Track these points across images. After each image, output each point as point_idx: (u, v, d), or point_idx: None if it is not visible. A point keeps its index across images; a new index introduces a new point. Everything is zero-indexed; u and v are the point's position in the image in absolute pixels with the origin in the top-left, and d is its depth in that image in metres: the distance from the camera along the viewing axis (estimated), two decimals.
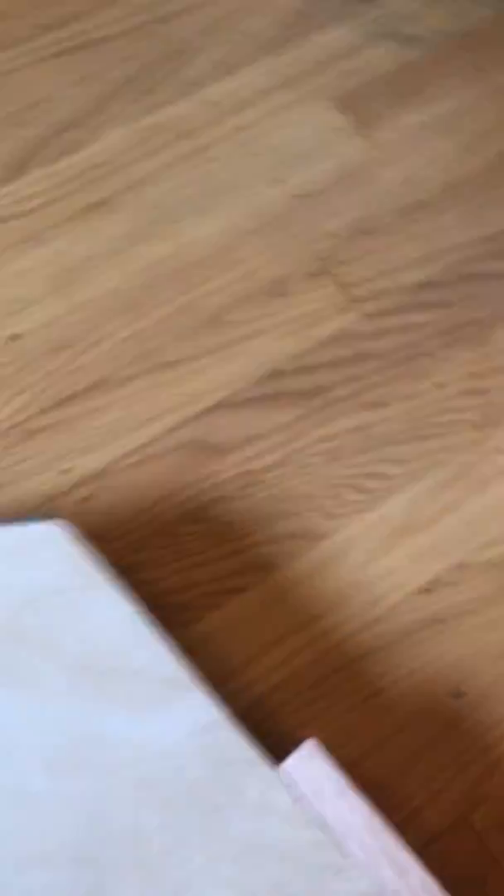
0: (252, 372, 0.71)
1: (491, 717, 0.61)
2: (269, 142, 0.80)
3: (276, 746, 0.55)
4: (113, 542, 0.64)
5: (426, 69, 0.84)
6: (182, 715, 0.54)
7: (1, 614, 0.56)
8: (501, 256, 0.76)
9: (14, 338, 0.71)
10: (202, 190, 0.77)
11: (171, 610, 0.62)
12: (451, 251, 0.76)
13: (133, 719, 0.54)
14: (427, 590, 0.64)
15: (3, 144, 0.79)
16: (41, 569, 0.58)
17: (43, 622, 0.56)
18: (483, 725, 0.61)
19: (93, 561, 0.58)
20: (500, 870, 0.57)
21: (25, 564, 0.58)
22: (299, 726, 0.59)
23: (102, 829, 0.51)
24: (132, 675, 0.55)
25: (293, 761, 0.53)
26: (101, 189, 0.77)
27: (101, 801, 0.52)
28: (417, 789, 0.59)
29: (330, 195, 0.77)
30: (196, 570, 0.64)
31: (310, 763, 0.53)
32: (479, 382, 0.71)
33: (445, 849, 0.57)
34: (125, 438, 0.68)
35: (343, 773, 0.52)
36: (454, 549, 0.65)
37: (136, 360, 0.71)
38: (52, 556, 0.58)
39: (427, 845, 0.57)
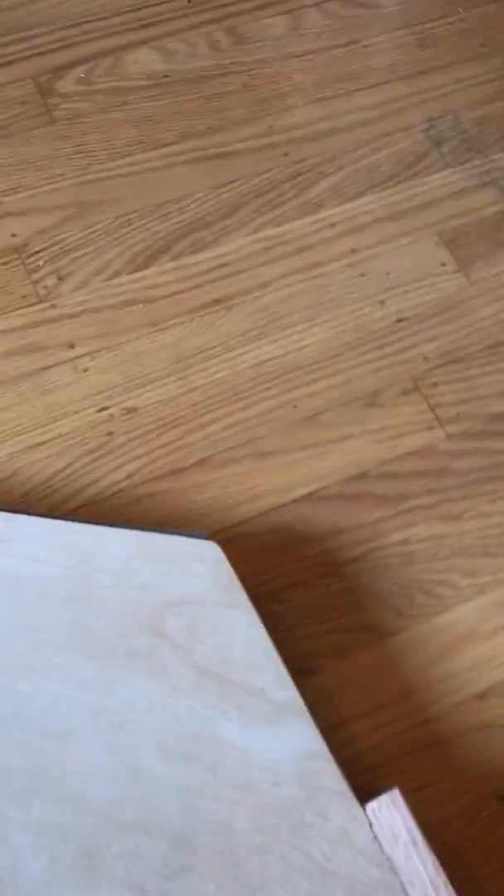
0: (341, 471, 0.78)
1: None
2: (377, 266, 0.88)
3: None
4: None
5: None
6: (289, 737, 0.60)
7: (149, 609, 0.63)
8: None
9: (131, 410, 0.78)
10: (312, 301, 0.85)
11: None
12: None
13: (245, 730, 0.60)
14: (483, 696, 0.69)
15: (141, 235, 0.87)
16: (191, 578, 0.65)
17: (184, 624, 0.63)
18: None
19: (236, 584, 0.65)
20: None
21: (178, 572, 0.65)
22: None
23: (200, 817, 0.58)
24: (253, 691, 0.61)
25: (377, 804, 0.58)
26: (221, 288, 0.85)
27: (202, 793, 0.58)
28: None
29: (428, 322, 0.85)
30: None
31: (392, 809, 0.58)
32: None
33: None
34: (220, 516, 0.75)
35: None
36: None
37: (237, 446, 0.78)
38: (202, 570, 0.65)
39: None
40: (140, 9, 1.01)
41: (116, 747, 0.60)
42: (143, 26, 1.00)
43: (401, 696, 0.68)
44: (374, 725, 0.68)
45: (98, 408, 0.78)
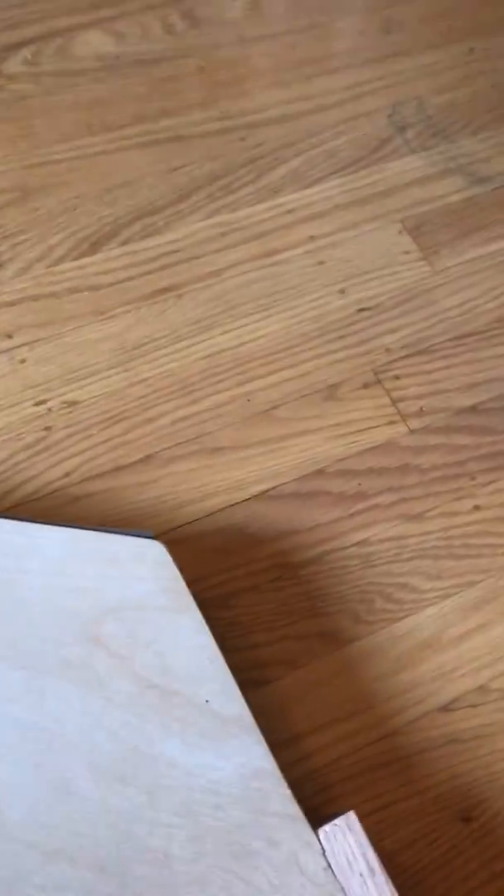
0: (296, 468, 0.73)
1: (497, 847, 0.60)
2: (337, 254, 0.83)
3: None
4: None
5: (490, 207, 0.89)
6: (234, 755, 0.55)
7: (85, 614, 0.57)
8: None
9: (71, 404, 0.73)
10: (268, 290, 0.80)
11: None
12: (501, 380, 0.78)
13: (186, 747, 0.54)
14: (447, 709, 0.64)
15: (88, 220, 0.82)
16: (132, 581, 0.59)
17: (123, 631, 0.57)
18: (488, 853, 0.60)
19: (181, 586, 0.59)
20: None
21: (118, 574, 0.59)
22: None
23: (134, 845, 0.52)
24: (196, 704, 0.56)
25: (330, 829, 0.53)
26: (172, 275, 0.80)
27: (137, 818, 0.52)
28: None
29: (390, 313, 0.80)
30: None
31: (347, 834, 0.53)
32: None
33: None
34: (166, 515, 0.69)
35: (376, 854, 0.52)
36: (477, 671, 0.66)
37: (186, 441, 0.73)
38: (144, 572, 0.60)
39: None
40: None
41: (44, 767, 0.54)
42: (94, 7, 0.96)
43: (358, 709, 0.63)
44: (330, 741, 0.62)
45: (35, 401, 0.73)
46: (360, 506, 0.72)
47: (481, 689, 0.65)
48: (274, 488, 0.72)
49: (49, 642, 0.57)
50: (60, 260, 0.80)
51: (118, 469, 0.71)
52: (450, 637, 0.67)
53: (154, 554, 0.61)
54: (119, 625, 0.58)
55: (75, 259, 0.80)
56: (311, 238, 0.84)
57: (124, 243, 0.81)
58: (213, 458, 0.72)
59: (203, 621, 0.59)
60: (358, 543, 0.70)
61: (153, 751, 0.55)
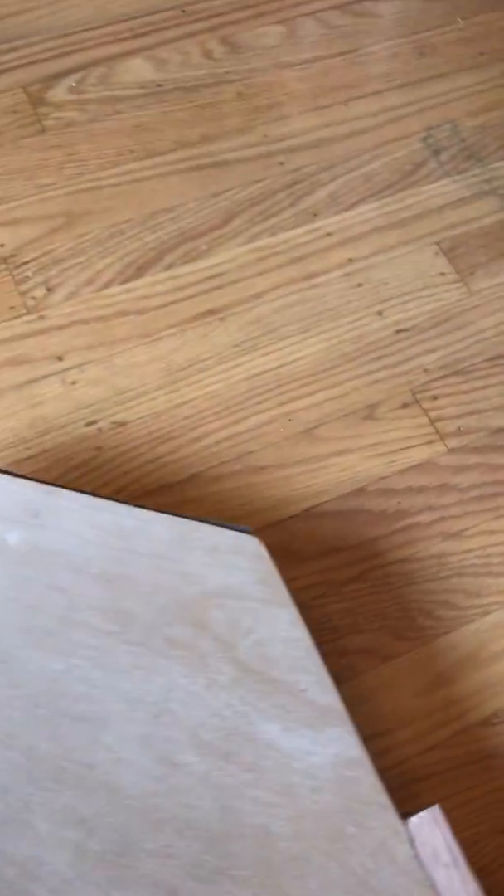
0: (337, 487, 0.75)
1: None
2: (375, 276, 0.85)
3: None
4: None
5: None
6: (331, 743, 0.57)
7: (190, 598, 0.60)
8: None
9: (120, 424, 0.76)
10: (308, 312, 0.83)
11: None
12: None
13: (285, 732, 0.57)
14: (489, 723, 0.66)
15: (134, 244, 0.85)
16: (233, 571, 0.61)
17: (225, 617, 0.60)
18: None
19: (278, 580, 0.62)
20: None
21: (220, 563, 0.62)
22: None
23: (237, 820, 0.54)
24: (294, 692, 0.58)
25: (419, 820, 0.55)
26: (215, 299, 0.83)
27: (240, 795, 0.55)
28: None
29: (427, 333, 0.82)
30: None
31: (433, 827, 0.55)
32: None
33: None
34: None
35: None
36: None
37: (230, 460, 0.75)
38: (244, 564, 0.62)
39: None
40: (132, 18, 1.00)
41: (151, 738, 0.56)
42: (136, 36, 0.99)
43: (400, 724, 0.65)
44: (371, 756, 0.64)
45: (86, 422, 0.75)
46: (401, 524, 0.74)
47: None
48: (316, 506, 0.74)
49: (157, 621, 0.59)
50: (108, 284, 0.82)
51: (165, 487, 0.73)
52: (490, 653, 0.69)
53: (251, 547, 0.63)
54: (221, 611, 0.60)
55: (122, 283, 0.82)
56: (350, 261, 0.86)
57: (168, 267, 0.84)
58: (256, 477, 0.75)
59: (298, 615, 0.61)
60: (399, 561, 0.72)
61: (254, 732, 0.57)
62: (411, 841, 0.55)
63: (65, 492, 0.61)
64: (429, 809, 0.55)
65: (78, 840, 0.52)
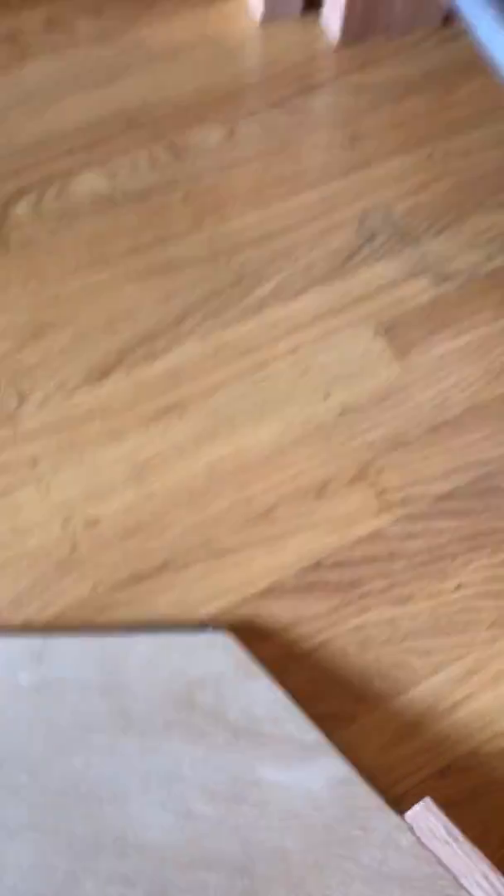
0: (295, 564, 0.82)
1: None
2: (319, 360, 0.93)
3: None
4: None
5: (457, 303, 0.98)
6: (321, 770, 0.68)
7: (180, 691, 0.71)
8: None
9: (93, 522, 0.83)
10: (260, 400, 0.90)
11: None
12: (476, 466, 0.87)
13: (281, 769, 0.68)
14: (443, 774, 0.72)
15: (95, 348, 0.93)
16: (210, 662, 0.73)
17: (211, 697, 0.71)
18: None
19: (250, 661, 0.73)
20: None
21: (198, 660, 0.73)
22: None
23: (255, 848, 0.65)
24: (282, 739, 0.69)
25: (414, 812, 0.66)
26: (174, 395, 0.90)
27: (253, 826, 0.66)
28: None
29: (371, 411, 0.90)
30: None
31: (427, 813, 0.65)
32: (496, 585, 0.82)
33: None
34: (185, 617, 0.79)
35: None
36: (468, 737, 0.74)
37: (196, 547, 0.82)
38: (219, 656, 0.73)
39: None
40: (82, 132, 1.08)
41: (169, 799, 0.67)
42: (86, 149, 1.07)
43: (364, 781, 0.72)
44: None
45: (62, 521, 0.83)
46: (356, 593, 0.81)
47: (473, 752, 0.73)
48: (277, 584, 0.81)
49: (153, 711, 0.71)
50: (75, 389, 0.90)
51: (137, 577, 0.80)
52: (443, 708, 0.75)
53: (222, 641, 0.74)
54: (206, 693, 0.72)
55: (89, 386, 0.90)
56: (296, 348, 0.94)
57: (130, 369, 0.91)
58: (221, 560, 0.82)
59: (273, 683, 0.72)
60: (355, 629, 0.79)
61: (255, 776, 0.68)
62: (411, 829, 0.65)
63: (58, 639, 0.74)
64: (422, 801, 0.65)
65: (123, 893, 0.64)
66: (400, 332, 0.95)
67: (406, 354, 0.94)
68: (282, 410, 0.90)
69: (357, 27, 1.18)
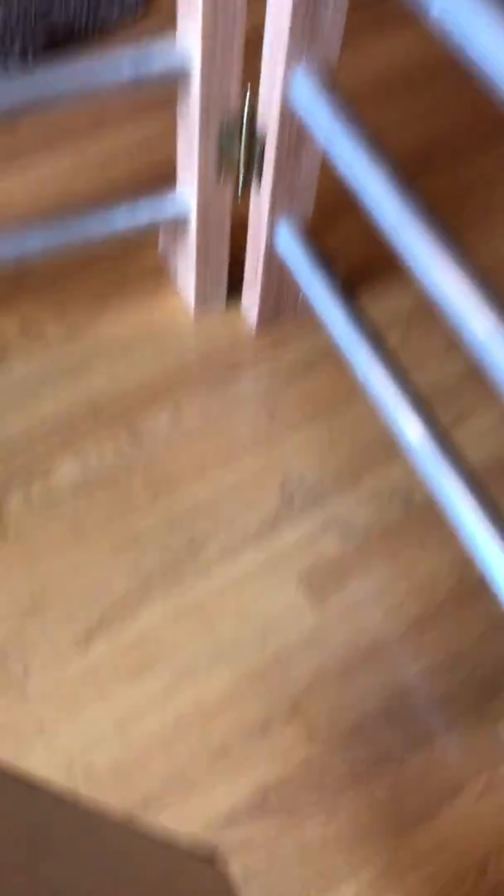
0: (247, 797, 1.07)
1: None
2: (256, 611, 1.20)
3: None
4: None
5: (360, 554, 1.26)
6: None
7: None
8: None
9: (89, 768, 1.08)
10: (212, 652, 1.17)
11: None
12: (382, 697, 1.14)
13: None
14: None
15: (81, 617, 1.19)
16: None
17: None
18: None
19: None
20: None
21: None
22: None
23: None
24: None
25: None
26: (146, 654, 1.16)
27: None
28: None
29: (298, 656, 1.17)
30: None
31: None
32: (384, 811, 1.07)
33: None
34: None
35: None
36: None
37: (173, 791, 1.07)
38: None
39: None
40: (59, 423, 1.37)
41: None
42: (62, 439, 1.35)
43: None
44: None
45: (66, 770, 1.08)
46: (295, 818, 1.06)
47: None
48: (233, 811, 1.06)
49: None
50: (68, 655, 1.16)
51: (129, 811, 1.05)
52: None
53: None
54: None
55: (79, 652, 1.16)
56: (237, 603, 1.21)
57: (110, 634, 1.18)
58: (190, 798, 1.07)
59: None
60: (297, 845, 1.04)
61: None
62: None
63: None
64: None
65: None
66: (317, 582, 1.23)
67: (324, 602, 1.22)
68: (229, 659, 1.16)
69: (269, 312, 1.49)
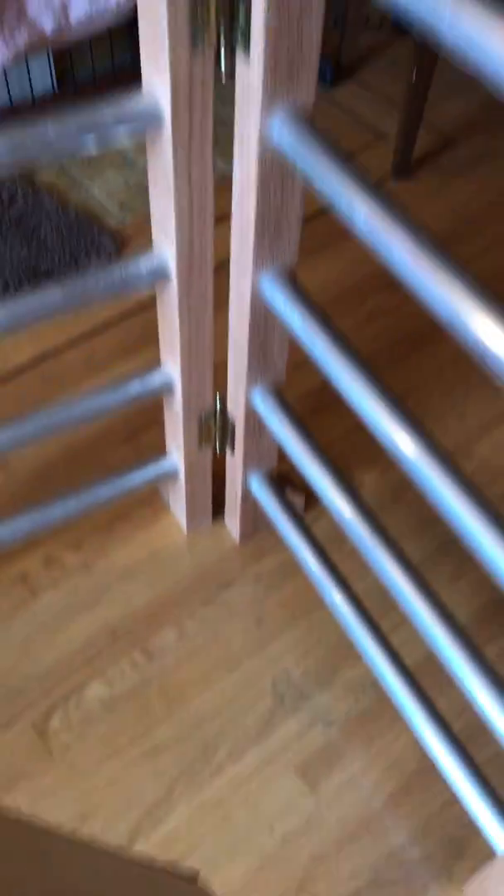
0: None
1: None
2: (263, 802, 1.47)
3: None
4: None
5: (342, 740, 1.54)
6: None
7: None
8: None
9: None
10: (230, 841, 1.43)
11: None
12: (371, 869, 1.41)
13: None
14: None
15: (120, 828, 1.45)
16: None
17: None
18: None
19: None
20: None
21: None
22: None
23: None
24: None
25: None
26: (176, 856, 1.43)
27: None
28: None
29: (300, 835, 1.44)
30: None
31: None
32: None
33: None
34: None
35: None
36: None
37: None
38: None
39: None
40: (84, 648, 1.65)
41: None
42: (89, 663, 1.64)
43: None
44: None
45: None
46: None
47: None
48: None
49: None
50: None
51: None
52: None
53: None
54: None
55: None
56: (246, 792, 1.48)
57: (145, 837, 1.44)
58: None
59: None
60: None
61: None
62: None
63: None
64: None
65: None
66: (309, 771, 1.51)
67: (317, 786, 1.49)
68: (245, 846, 1.43)
69: (249, 528, 1.80)
